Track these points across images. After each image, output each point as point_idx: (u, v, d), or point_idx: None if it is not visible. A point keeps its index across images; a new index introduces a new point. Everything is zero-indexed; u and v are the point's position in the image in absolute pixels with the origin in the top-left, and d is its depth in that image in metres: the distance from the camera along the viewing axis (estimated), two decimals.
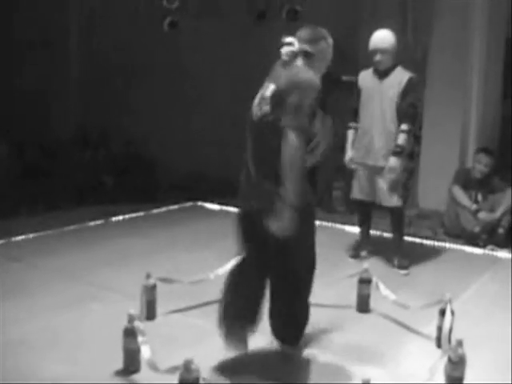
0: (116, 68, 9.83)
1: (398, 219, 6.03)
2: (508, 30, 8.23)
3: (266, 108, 3.68)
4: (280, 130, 3.47)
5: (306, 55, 3.90)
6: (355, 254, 6.23)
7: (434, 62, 7.75)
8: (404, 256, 6.01)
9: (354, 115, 6.04)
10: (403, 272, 5.87)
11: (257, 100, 3.83)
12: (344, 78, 8.29)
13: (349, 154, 6.04)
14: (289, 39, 3.98)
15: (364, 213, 6.31)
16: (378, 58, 5.78)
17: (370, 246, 6.36)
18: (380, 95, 5.81)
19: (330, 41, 4.05)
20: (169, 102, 9.66)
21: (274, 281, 3.85)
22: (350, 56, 8.52)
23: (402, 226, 6.14)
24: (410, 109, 5.72)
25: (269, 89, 3.77)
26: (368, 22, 8.17)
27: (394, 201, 5.85)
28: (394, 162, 5.68)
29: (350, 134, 6.07)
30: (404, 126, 5.68)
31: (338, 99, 8.07)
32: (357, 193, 6.12)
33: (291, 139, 3.43)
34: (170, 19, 8.88)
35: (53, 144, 9.42)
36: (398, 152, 5.68)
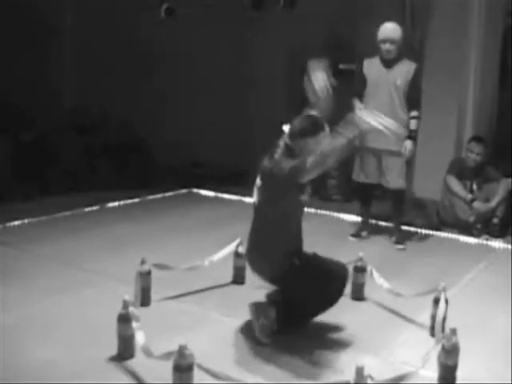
0: (112, 53, 9.79)
1: (399, 201, 6.46)
2: (505, 20, 8.22)
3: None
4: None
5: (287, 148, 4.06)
6: (356, 233, 6.56)
7: (432, 51, 7.74)
8: (401, 234, 6.47)
9: (357, 99, 6.27)
10: (400, 247, 6.32)
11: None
12: (341, 66, 8.30)
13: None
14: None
15: (366, 194, 6.61)
16: (387, 46, 6.13)
17: (370, 227, 6.68)
18: (388, 83, 6.16)
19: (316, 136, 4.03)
20: (165, 88, 9.64)
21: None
22: (348, 44, 8.52)
23: (403, 207, 6.55)
24: (418, 96, 6.18)
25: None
26: (366, 10, 8.15)
27: (400, 183, 6.28)
28: (410, 145, 6.13)
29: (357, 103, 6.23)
30: (415, 113, 6.16)
31: (336, 88, 8.07)
32: (360, 176, 6.45)
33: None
34: (166, 5, 8.85)
35: (48, 129, 9.38)
36: (413, 137, 6.16)
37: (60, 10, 10.16)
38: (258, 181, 4.13)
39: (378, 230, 6.78)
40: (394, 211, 6.54)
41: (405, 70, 6.15)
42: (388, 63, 6.19)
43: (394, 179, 6.26)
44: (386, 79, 6.17)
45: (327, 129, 4.00)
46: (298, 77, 9.17)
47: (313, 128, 4.03)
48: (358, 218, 6.86)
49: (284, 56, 9.08)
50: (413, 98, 6.15)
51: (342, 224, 7.03)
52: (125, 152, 9.48)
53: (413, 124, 6.15)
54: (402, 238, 6.43)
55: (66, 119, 10.02)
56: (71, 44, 10.39)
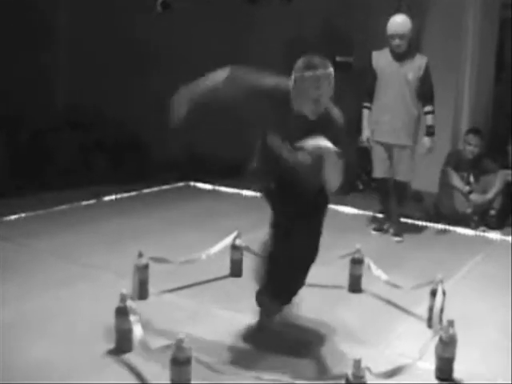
0: (107, 50, 9.76)
1: (403, 193, 6.51)
2: (502, 13, 8.21)
3: None
4: None
5: None
6: (378, 227, 6.60)
7: (428, 43, 7.73)
8: (400, 226, 6.49)
9: (368, 95, 6.32)
10: (397, 239, 6.35)
11: None
12: (338, 58, 8.28)
13: (366, 133, 6.35)
14: None
15: (385, 189, 6.58)
16: (397, 42, 6.10)
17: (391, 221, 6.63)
18: (399, 78, 6.15)
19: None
20: (161, 83, 9.61)
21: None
22: (345, 36, 8.50)
23: (405, 200, 6.61)
24: (431, 91, 6.22)
25: None
26: (362, 2, 8.14)
27: (410, 176, 6.40)
28: (429, 142, 6.26)
29: (366, 113, 6.36)
30: (429, 108, 6.24)
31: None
32: (381, 172, 6.45)
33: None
34: (162, 0, 8.81)
35: (43, 127, 9.36)
36: (431, 132, 6.25)
37: (54, 8, 10.12)
38: None
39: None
40: (395, 203, 6.54)
41: (416, 64, 6.15)
42: (399, 57, 6.17)
43: (404, 172, 6.30)
44: (397, 73, 6.15)
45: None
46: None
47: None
48: (364, 212, 6.93)
49: (280, 49, 9.06)
50: (426, 92, 6.17)
51: (339, 217, 7.02)
52: (120, 147, 9.46)
53: (429, 119, 6.22)
54: (400, 230, 6.44)
55: (61, 116, 9.99)
56: (66, 42, 10.34)
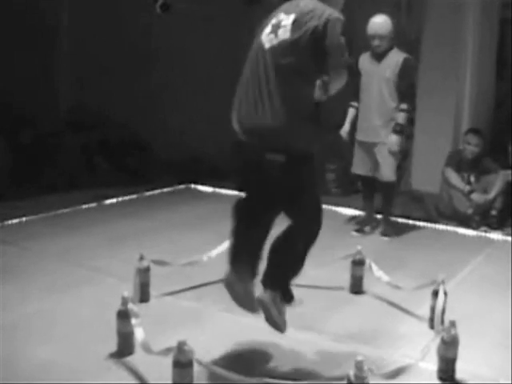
0: (109, 50, 9.77)
1: (389, 193, 6.44)
2: (502, 13, 8.20)
3: (287, 35, 3.55)
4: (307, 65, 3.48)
5: None
6: (360, 228, 6.54)
7: (428, 43, 7.73)
8: (389, 226, 6.49)
9: (355, 96, 6.36)
10: (386, 238, 6.37)
11: (268, 29, 3.70)
12: None
13: (346, 127, 6.37)
14: None
15: (367, 188, 6.60)
16: (376, 43, 6.13)
17: (374, 222, 6.62)
18: (378, 76, 6.16)
19: None
20: (162, 84, 9.62)
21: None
22: (345, 38, 8.48)
23: (392, 200, 6.53)
24: (409, 89, 6.15)
25: (289, 17, 3.61)
26: (362, 2, 8.13)
27: (391, 176, 6.27)
28: (394, 139, 6.12)
29: (351, 111, 6.41)
30: (404, 106, 6.10)
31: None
32: (357, 167, 6.47)
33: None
34: (162, 1, 8.81)
35: (46, 128, 9.36)
36: (398, 130, 6.12)
37: (57, 8, 10.12)
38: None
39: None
40: (383, 203, 6.54)
41: (393, 61, 6.13)
42: (378, 56, 6.20)
43: (386, 172, 6.26)
44: (376, 72, 6.18)
45: None
46: None
47: None
48: (360, 213, 6.87)
49: None
50: (403, 89, 6.11)
51: (340, 218, 7.02)
52: (123, 149, 9.47)
53: (400, 117, 6.11)
54: (389, 230, 6.45)
55: (63, 119, 10.00)
56: (68, 43, 10.34)
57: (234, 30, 8.97)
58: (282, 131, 3.43)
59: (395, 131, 6.11)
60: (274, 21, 3.72)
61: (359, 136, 6.36)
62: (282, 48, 3.54)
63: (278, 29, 3.62)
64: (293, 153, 3.45)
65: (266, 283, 3.66)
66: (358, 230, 6.50)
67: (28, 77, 9.23)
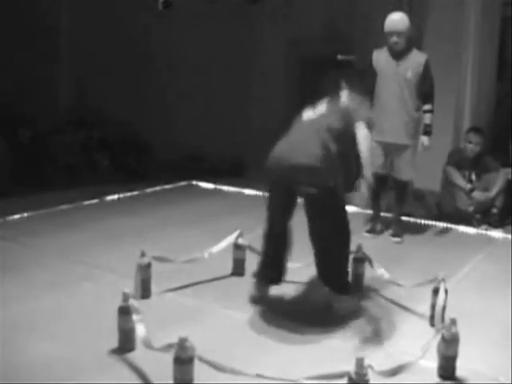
0: (110, 49, 9.77)
1: (405, 192, 6.44)
2: (503, 11, 8.20)
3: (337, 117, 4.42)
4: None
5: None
6: (371, 229, 6.47)
7: (429, 42, 7.72)
8: (400, 226, 6.42)
9: (369, 94, 6.14)
10: (396, 240, 6.26)
11: (325, 111, 4.49)
12: (340, 57, 8.29)
13: None
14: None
15: (378, 187, 6.33)
16: (394, 39, 6.05)
17: (382, 221, 6.57)
18: (398, 76, 6.08)
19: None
20: (163, 82, 9.62)
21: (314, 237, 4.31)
22: (346, 35, 8.50)
23: (407, 199, 6.56)
24: (431, 89, 6.14)
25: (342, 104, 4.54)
26: (364, 1, 8.14)
27: (410, 175, 6.33)
28: (426, 140, 6.17)
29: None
30: (428, 106, 6.14)
31: (335, 79, 8.02)
32: (376, 166, 6.22)
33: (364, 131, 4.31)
34: None
35: (47, 124, 9.37)
36: (428, 131, 6.17)
37: (57, 7, 10.12)
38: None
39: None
40: (396, 203, 6.48)
41: (415, 62, 6.07)
42: (397, 55, 6.10)
43: (406, 171, 6.24)
44: (395, 72, 6.08)
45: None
46: (296, 68, 9.20)
47: None
48: (364, 211, 6.88)
49: (282, 48, 9.07)
50: (425, 91, 6.10)
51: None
52: (123, 147, 9.47)
53: (427, 118, 6.14)
54: (400, 230, 6.37)
55: (63, 116, 10.00)
56: (68, 42, 10.34)
57: (236, 28, 8.99)
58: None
59: (426, 132, 6.14)
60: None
61: (376, 137, 6.04)
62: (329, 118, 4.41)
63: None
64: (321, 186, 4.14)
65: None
66: (369, 231, 6.43)
67: (28, 75, 9.24)
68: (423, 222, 6.96)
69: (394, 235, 6.33)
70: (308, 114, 4.51)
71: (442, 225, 6.89)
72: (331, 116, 4.41)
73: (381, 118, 6.11)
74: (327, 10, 8.59)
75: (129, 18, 9.53)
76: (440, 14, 7.74)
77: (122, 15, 9.55)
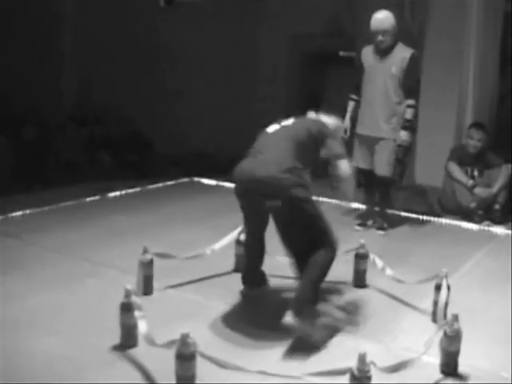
0: (113, 46, 9.77)
1: (385, 188, 6.46)
2: (505, 6, 8.17)
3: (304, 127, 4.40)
4: None
5: None
6: (362, 222, 6.53)
7: (431, 38, 7.71)
8: (384, 220, 6.46)
9: (356, 89, 6.37)
10: (380, 232, 6.36)
11: (291, 123, 4.46)
12: (341, 53, 8.29)
13: (346, 122, 6.36)
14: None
15: (368, 182, 6.54)
16: (380, 38, 6.10)
17: (375, 215, 6.58)
18: (383, 72, 6.14)
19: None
20: (166, 79, 9.62)
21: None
22: (348, 31, 8.50)
23: (388, 195, 6.52)
24: (415, 84, 6.17)
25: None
26: None
27: (387, 170, 6.26)
28: (404, 135, 6.13)
29: (350, 105, 6.43)
30: (411, 101, 6.12)
31: (336, 74, 8.04)
32: (358, 161, 6.41)
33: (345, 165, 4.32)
34: None
35: (49, 122, 9.38)
36: (407, 126, 6.13)
37: (61, 5, 10.12)
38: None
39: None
40: (379, 198, 6.53)
41: (400, 57, 6.10)
42: (382, 52, 6.17)
43: (382, 166, 6.25)
44: (381, 67, 6.16)
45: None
46: (298, 65, 9.20)
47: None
48: (360, 206, 6.88)
49: (285, 44, 9.07)
50: (408, 85, 6.11)
51: (342, 211, 7.02)
52: (126, 144, 9.48)
53: (408, 113, 6.12)
54: (384, 224, 6.42)
55: (67, 111, 10.01)
56: (73, 40, 10.34)
57: (240, 24, 8.98)
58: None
59: (405, 127, 6.12)
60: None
61: (360, 129, 6.35)
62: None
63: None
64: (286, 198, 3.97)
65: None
66: (360, 224, 6.50)
67: (31, 73, 9.24)
68: (425, 218, 6.95)
69: (378, 228, 6.40)
70: (273, 127, 4.42)
71: (443, 221, 6.89)
72: (297, 126, 4.36)
73: (365, 112, 6.31)
74: (330, 7, 8.58)
75: (132, 15, 9.53)
76: (442, 10, 7.73)
77: (126, 12, 9.55)
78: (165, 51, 9.54)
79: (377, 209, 6.57)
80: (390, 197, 6.57)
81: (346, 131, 6.30)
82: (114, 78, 9.64)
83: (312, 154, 4.28)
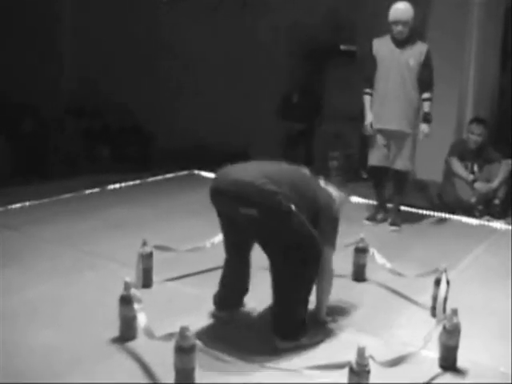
0: (113, 37, 9.74)
1: (403, 183, 6.43)
2: (506, 2, 8.17)
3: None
4: None
5: None
6: (372, 216, 6.52)
7: (432, 33, 7.70)
8: (398, 216, 6.44)
9: (369, 82, 6.29)
10: (393, 228, 6.33)
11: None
12: (342, 47, 8.27)
13: (369, 118, 6.29)
14: None
15: (379, 178, 6.52)
16: (399, 28, 6.08)
17: (386, 211, 6.58)
18: (399, 64, 6.12)
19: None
20: (166, 71, 9.60)
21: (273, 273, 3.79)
22: (348, 25, 8.48)
23: (405, 189, 6.52)
24: (431, 78, 6.17)
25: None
26: None
27: (408, 165, 6.31)
28: (426, 128, 6.17)
29: (367, 99, 6.34)
30: (427, 95, 6.18)
31: (337, 68, 8.02)
32: (376, 160, 6.38)
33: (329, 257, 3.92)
34: None
35: (48, 113, 9.35)
36: (428, 119, 6.17)
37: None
38: None
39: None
40: (395, 192, 6.50)
41: (418, 51, 6.11)
42: (400, 43, 6.14)
43: (402, 160, 6.25)
44: (397, 59, 6.13)
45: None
46: (297, 59, 9.18)
47: None
48: (368, 201, 6.95)
49: (284, 37, 9.05)
50: (425, 79, 6.13)
51: (350, 206, 7.01)
52: (125, 135, 9.46)
53: (426, 106, 6.17)
54: (398, 220, 6.40)
55: (65, 105, 9.98)
56: (71, 29, 10.30)
57: (240, 15, 8.96)
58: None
59: (425, 120, 6.15)
60: None
61: (377, 124, 6.26)
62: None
63: None
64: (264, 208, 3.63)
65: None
66: (369, 219, 6.49)
67: (30, 64, 9.21)
68: (425, 212, 6.95)
69: (391, 224, 6.37)
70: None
71: (443, 215, 6.89)
72: (303, 178, 3.97)
73: (381, 105, 6.24)
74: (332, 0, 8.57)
75: (133, 7, 9.50)
76: (443, 5, 7.72)
77: (127, 3, 9.52)
78: (165, 43, 9.51)
79: (391, 204, 6.55)
80: (405, 192, 6.57)
81: (370, 125, 6.24)
82: (113, 70, 9.60)
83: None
